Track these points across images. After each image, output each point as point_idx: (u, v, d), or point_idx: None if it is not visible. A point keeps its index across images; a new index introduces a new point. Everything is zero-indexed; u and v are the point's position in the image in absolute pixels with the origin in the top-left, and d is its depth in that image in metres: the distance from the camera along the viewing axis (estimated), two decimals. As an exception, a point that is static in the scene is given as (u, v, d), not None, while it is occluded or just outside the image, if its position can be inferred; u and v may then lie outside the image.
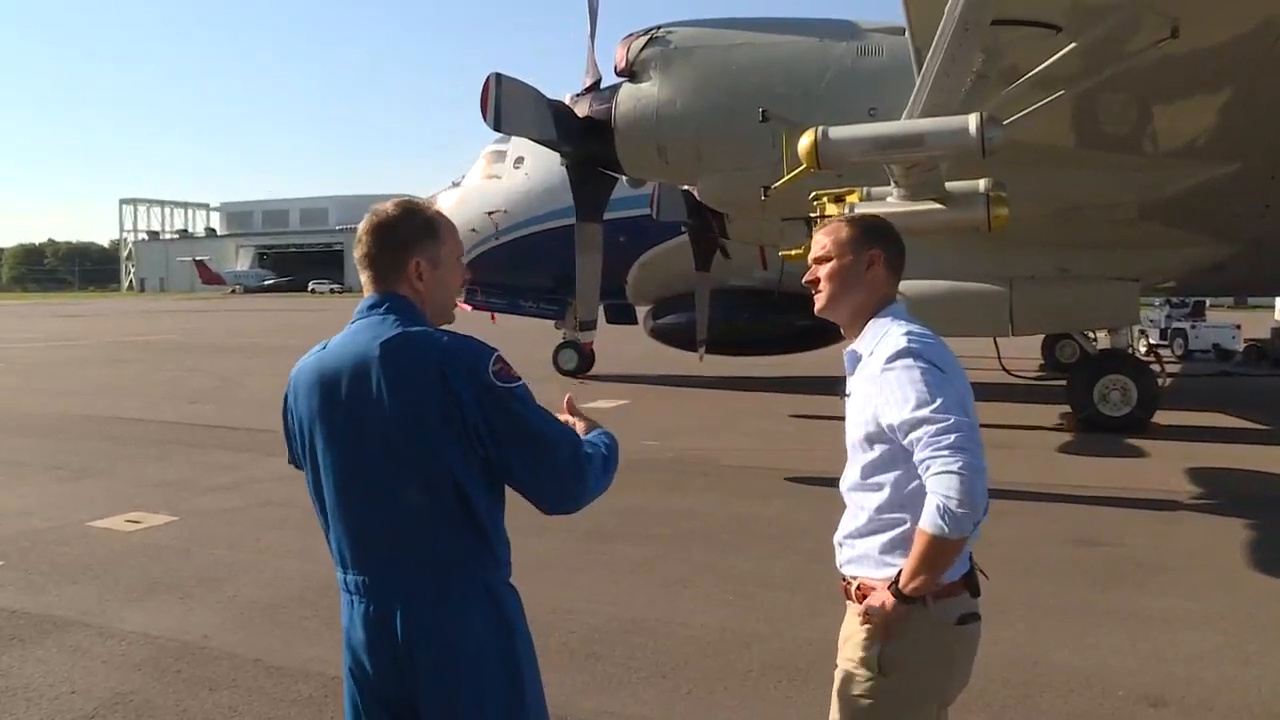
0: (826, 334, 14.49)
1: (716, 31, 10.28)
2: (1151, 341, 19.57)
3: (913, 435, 2.24)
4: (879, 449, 2.36)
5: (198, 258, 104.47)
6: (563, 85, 16.35)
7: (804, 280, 2.66)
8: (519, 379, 2.17)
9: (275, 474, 8.80)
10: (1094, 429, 11.13)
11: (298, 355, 2.33)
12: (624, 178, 11.24)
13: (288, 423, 2.32)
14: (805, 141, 6.64)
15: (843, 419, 2.58)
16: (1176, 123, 8.80)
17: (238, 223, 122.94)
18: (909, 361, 2.31)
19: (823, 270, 2.57)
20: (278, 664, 4.67)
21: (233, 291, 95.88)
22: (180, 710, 4.20)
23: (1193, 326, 22.37)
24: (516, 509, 2.29)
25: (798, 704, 4.15)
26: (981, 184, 7.21)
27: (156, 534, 7.13)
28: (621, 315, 18.85)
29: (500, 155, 17.97)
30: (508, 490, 2.23)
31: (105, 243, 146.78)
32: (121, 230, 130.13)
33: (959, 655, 2.42)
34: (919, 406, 2.25)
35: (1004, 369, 14.53)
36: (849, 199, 7.03)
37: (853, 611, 2.44)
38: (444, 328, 2.24)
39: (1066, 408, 11.90)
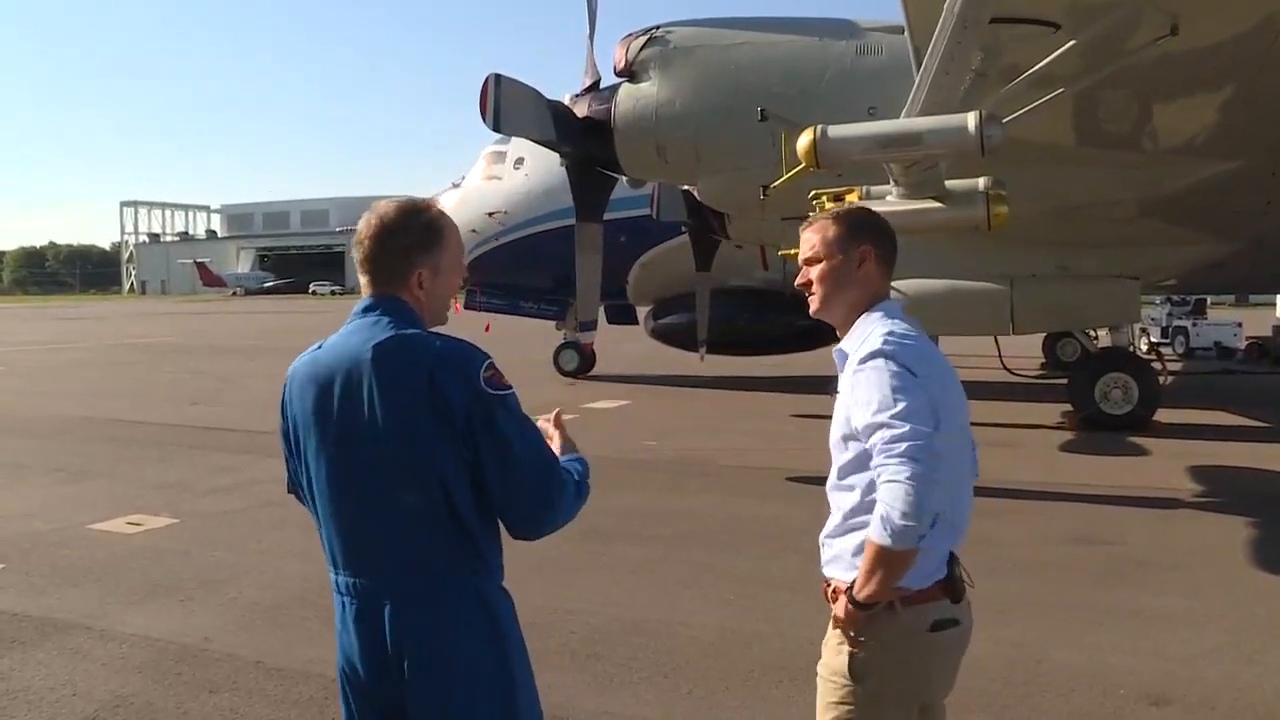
0: (827, 334, 14.36)
1: (715, 31, 10.27)
2: (1153, 339, 19.57)
3: (872, 439, 2.22)
4: (852, 449, 2.33)
5: (199, 260, 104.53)
6: (562, 86, 16.32)
7: (796, 283, 2.63)
8: (509, 387, 2.15)
9: (276, 475, 8.75)
10: (1095, 427, 11.12)
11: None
12: (624, 178, 11.24)
13: (284, 423, 2.31)
14: (804, 140, 6.64)
15: None
16: (1176, 120, 8.79)
17: (238, 225, 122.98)
18: (879, 363, 2.28)
19: (814, 272, 2.54)
20: (279, 666, 4.67)
21: (234, 294, 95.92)
22: (181, 713, 4.20)
23: (1194, 324, 22.37)
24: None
25: (799, 704, 4.14)
26: (981, 182, 7.21)
27: (157, 536, 7.12)
28: (622, 315, 18.85)
29: (500, 156, 17.98)
30: None
31: (106, 245, 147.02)
32: (122, 233, 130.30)
33: (934, 662, 2.36)
34: (880, 411, 2.22)
35: (1005, 368, 14.52)
36: (848, 198, 7.02)
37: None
38: (439, 330, 2.23)
39: (1068, 406, 11.90)
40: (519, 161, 17.53)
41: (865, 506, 2.31)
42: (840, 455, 2.38)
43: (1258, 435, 11.33)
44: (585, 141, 10.44)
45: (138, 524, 7.41)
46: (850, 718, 2.34)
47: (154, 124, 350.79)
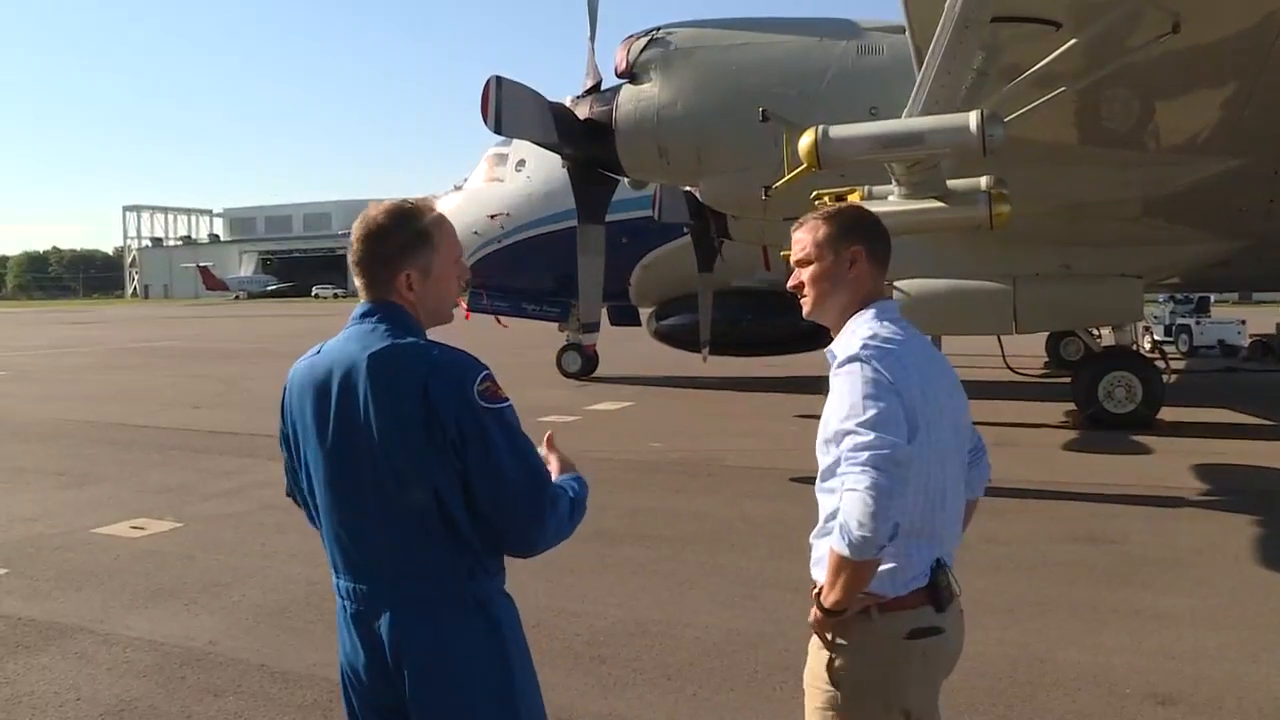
0: (829, 334, 14.46)
1: (716, 32, 10.28)
2: (1156, 338, 19.54)
3: (841, 446, 2.20)
4: (832, 453, 2.29)
5: (201, 264, 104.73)
6: (563, 88, 16.34)
7: (788, 285, 2.59)
8: (505, 400, 2.13)
9: (279, 479, 8.69)
10: (1099, 426, 11.11)
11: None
12: (625, 179, 11.24)
13: (284, 426, 2.31)
14: (806, 141, 6.64)
15: None
16: (1178, 118, 8.78)
17: (241, 228, 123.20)
18: (855, 368, 2.25)
19: (805, 274, 2.50)
20: (283, 669, 4.67)
21: (237, 297, 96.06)
22: (186, 716, 4.20)
23: (1197, 323, 22.34)
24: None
25: (803, 705, 4.13)
26: (983, 182, 7.20)
27: (161, 540, 7.12)
28: (625, 317, 18.84)
29: (502, 158, 18.00)
30: None
31: (109, 250, 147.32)
32: (125, 237, 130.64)
33: (912, 669, 2.32)
34: (848, 417, 2.19)
35: (1009, 366, 14.50)
36: (850, 198, 7.02)
37: None
38: (439, 340, 2.20)
39: (1071, 405, 11.89)
40: (521, 163, 17.54)
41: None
42: (823, 458, 2.35)
43: (1262, 433, 11.31)
44: (587, 143, 10.45)
45: (141, 528, 7.41)
46: None
47: (156, 128, 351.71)
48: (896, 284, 10.59)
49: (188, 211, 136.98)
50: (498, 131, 9.85)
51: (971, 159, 6.57)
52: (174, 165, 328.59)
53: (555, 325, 18.08)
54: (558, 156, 11.22)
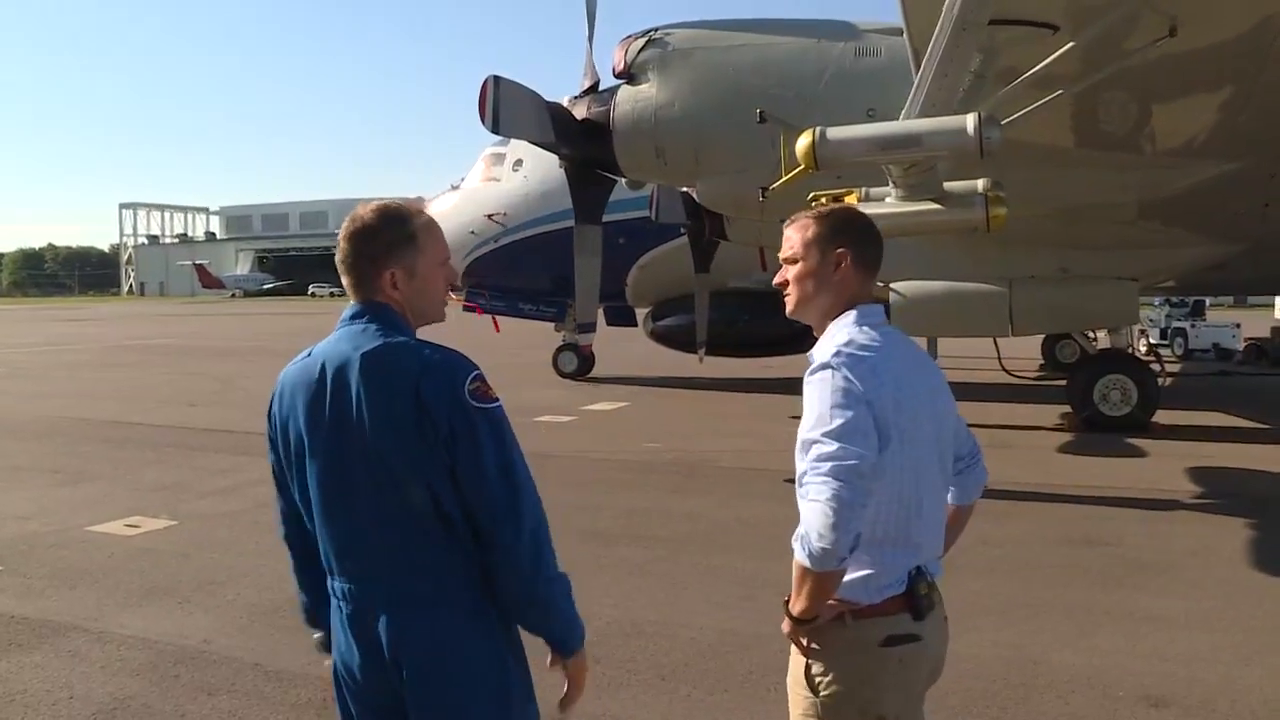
0: (823, 336, 14.46)
1: (714, 33, 10.28)
2: (1151, 341, 19.59)
3: (807, 455, 2.18)
4: (801, 461, 2.26)
5: (197, 261, 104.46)
6: (561, 88, 16.33)
7: (774, 282, 2.57)
8: (496, 400, 2.14)
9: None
10: (1094, 429, 11.13)
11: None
12: (622, 180, 11.23)
13: (271, 429, 2.30)
14: (803, 142, 6.64)
15: None
16: (1175, 122, 8.79)
17: (237, 226, 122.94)
18: (825, 375, 2.23)
19: (790, 272, 2.48)
20: (277, 668, 4.66)
21: (233, 295, 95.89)
22: (179, 715, 4.20)
23: (1193, 326, 22.39)
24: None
25: (798, 706, 4.14)
26: (980, 184, 7.22)
27: (155, 538, 7.12)
28: (621, 317, 18.85)
29: (499, 158, 17.98)
30: None
31: (105, 247, 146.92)
32: (121, 234, 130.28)
33: (886, 676, 2.29)
34: (814, 426, 2.18)
35: (1004, 369, 14.52)
36: (847, 199, 7.02)
37: None
38: (432, 340, 2.20)
39: (1066, 407, 11.90)
40: (518, 163, 17.53)
41: None
42: (799, 463, 2.31)
43: (1256, 437, 11.34)
44: (584, 143, 10.44)
45: (136, 526, 7.40)
46: None
47: (153, 126, 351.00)
48: (893, 285, 10.61)
49: (184, 209, 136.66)
50: (495, 131, 9.84)
51: (968, 161, 6.58)
52: (171, 163, 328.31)
53: (551, 325, 18.09)
54: (555, 156, 11.21)
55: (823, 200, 7.06)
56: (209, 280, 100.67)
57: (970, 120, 6.30)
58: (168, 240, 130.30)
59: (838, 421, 2.15)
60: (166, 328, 40.20)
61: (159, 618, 5.39)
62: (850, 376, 2.20)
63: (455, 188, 18.80)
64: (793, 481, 2.27)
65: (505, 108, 9.35)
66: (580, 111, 10.57)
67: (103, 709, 4.25)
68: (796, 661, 2.36)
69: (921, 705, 2.44)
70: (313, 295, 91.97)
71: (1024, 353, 17.10)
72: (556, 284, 16.28)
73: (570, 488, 8.24)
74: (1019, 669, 4.54)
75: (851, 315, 2.38)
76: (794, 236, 2.48)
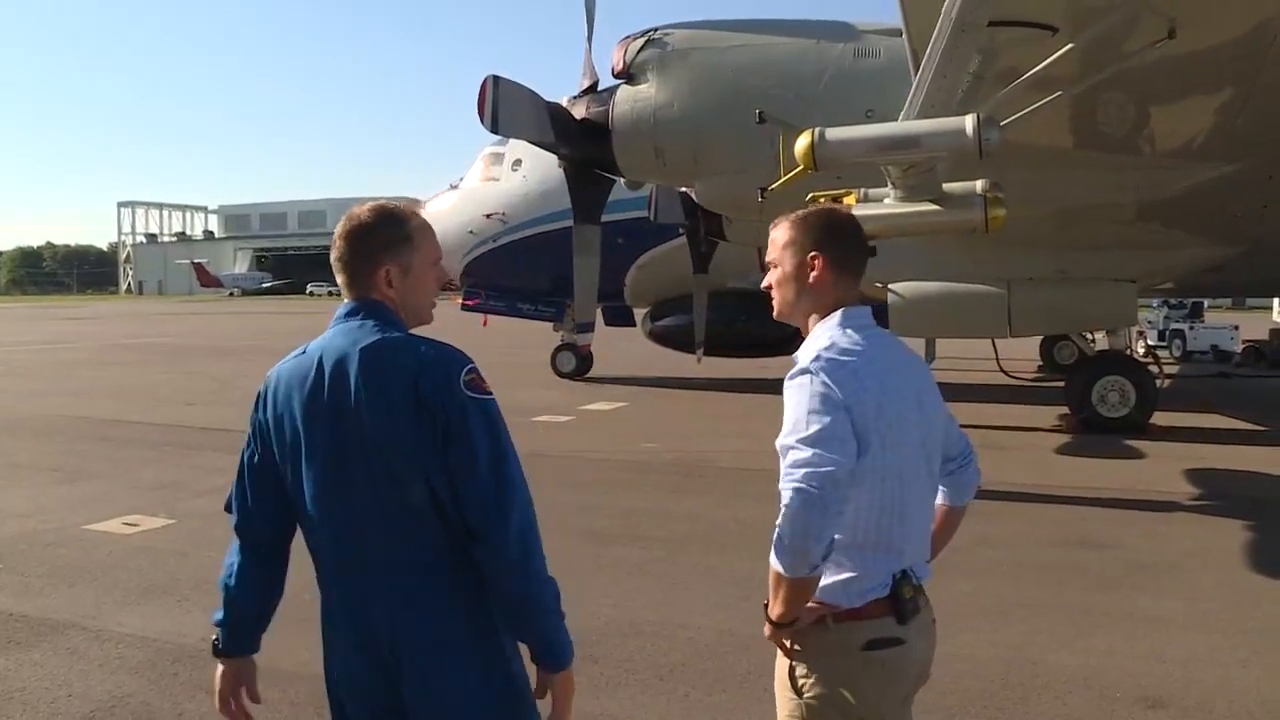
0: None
1: (713, 33, 10.29)
2: (1149, 342, 19.62)
3: (783, 461, 2.17)
4: (781, 463, 2.25)
5: (196, 260, 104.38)
6: (561, 88, 16.35)
7: (761, 286, 2.56)
8: (489, 393, 2.16)
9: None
10: (1092, 430, 11.14)
11: None
12: (621, 180, 11.24)
13: (261, 423, 2.29)
14: (802, 143, 6.65)
15: None
16: (1174, 123, 8.81)
17: (235, 225, 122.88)
18: (804, 380, 2.21)
19: (773, 275, 2.47)
20: (275, 666, 4.61)
21: (231, 294, 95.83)
22: (178, 713, 4.20)
23: (1191, 327, 22.41)
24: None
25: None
26: (978, 185, 7.22)
27: (154, 536, 7.11)
28: (620, 317, 18.85)
29: (498, 157, 17.99)
30: None
31: (103, 246, 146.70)
32: (119, 233, 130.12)
33: (867, 680, 2.28)
34: (790, 432, 2.16)
35: (1002, 370, 14.53)
36: (846, 200, 7.03)
37: None
38: (425, 335, 2.23)
39: (1064, 409, 11.91)
40: (517, 163, 17.54)
41: None
42: (781, 466, 2.31)
43: (1254, 439, 11.35)
44: (583, 143, 10.45)
45: (134, 524, 7.40)
46: None
47: (151, 124, 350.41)
48: (891, 286, 10.61)
49: (183, 208, 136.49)
50: (494, 131, 9.86)
51: (967, 162, 6.59)
52: (169, 163, 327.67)
53: (550, 325, 18.09)
54: (554, 156, 11.22)
55: (821, 200, 7.07)
56: (207, 279, 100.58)
57: (969, 121, 6.31)
58: (166, 239, 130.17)
59: (814, 428, 2.14)
60: (164, 326, 40.17)
61: (157, 616, 5.39)
62: (829, 382, 2.19)
63: (454, 187, 18.81)
64: None
65: (504, 107, 9.36)
66: (579, 111, 10.58)
67: (101, 706, 4.25)
68: (781, 663, 2.36)
69: (909, 708, 2.43)
70: (311, 294, 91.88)
71: (1022, 354, 17.12)
72: (555, 284, 16.28)
73: (568, 488, 8.25)
74: (1017, 670, 4.55)
75: (835, 317, 2.36)
76: (775, 239, 2.47)
